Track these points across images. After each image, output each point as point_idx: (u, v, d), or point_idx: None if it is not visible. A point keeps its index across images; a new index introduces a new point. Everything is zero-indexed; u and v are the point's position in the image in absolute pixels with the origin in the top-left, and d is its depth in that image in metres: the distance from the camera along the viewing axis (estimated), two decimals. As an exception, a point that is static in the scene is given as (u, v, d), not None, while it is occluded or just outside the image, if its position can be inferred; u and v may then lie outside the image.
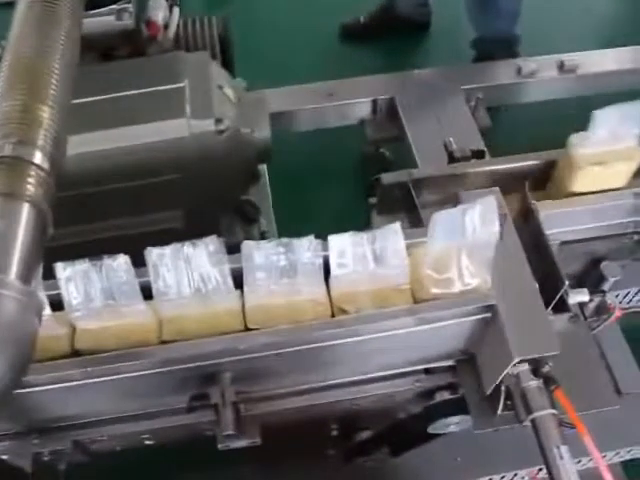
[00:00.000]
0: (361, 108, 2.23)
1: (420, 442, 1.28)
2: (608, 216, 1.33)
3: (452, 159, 1.42)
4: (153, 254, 0.96)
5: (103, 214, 1.40)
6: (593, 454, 1.03)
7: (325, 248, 0.98)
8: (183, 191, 1.40)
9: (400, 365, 1.16)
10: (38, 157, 0.88)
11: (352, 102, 2.21)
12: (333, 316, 1.03)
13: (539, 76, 2.30)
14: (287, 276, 1.00)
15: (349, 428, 1.31)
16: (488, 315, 1.04)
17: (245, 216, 1.64)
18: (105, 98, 1.32)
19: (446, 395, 1.18)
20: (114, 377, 1.00)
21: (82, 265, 0.94)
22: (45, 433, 1.15)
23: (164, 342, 1.02)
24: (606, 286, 1.37)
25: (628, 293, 1.75)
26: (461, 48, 2.65)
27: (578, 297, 1.18)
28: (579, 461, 1.46)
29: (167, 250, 0.96)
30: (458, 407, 1.16)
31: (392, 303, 1.02)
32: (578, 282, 1.40)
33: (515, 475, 1.51)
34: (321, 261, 0.99)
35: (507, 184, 1.29)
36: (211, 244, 0.96)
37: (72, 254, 0.95)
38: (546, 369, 1.02)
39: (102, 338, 1.01)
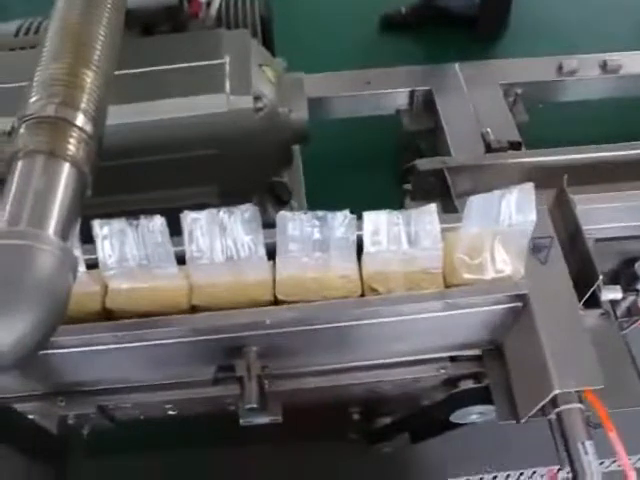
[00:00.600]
0: (398, 98, 2.21)
1: (441, 431, 1.27)
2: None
3: (489, 150, 1.40)
4: (188, 218, 0.96)
5: (139, 186, 1.41)
6: (619, 453, 1.01)
7: (360, 225, 0.98)
8: (218, 167, 1.40)
9: (426, 351, 1.15)
10: (80, 119, 0.89)
11: (389, 92, 2.19)
12: (363, 295, 1.02)
13: (580, 75, 2.26)
14: (320, 250, 0.99)
15: (371, 412, 1.30)
16: (519, 305, 1.03)
17: (277, 197, 1.64)
18: (145, 71, 1.32)
19: (470, 384, 1.17)
20: (142, 343, 1.00)
21: (119, 224, 0.95)
22: (71, 396, 1.17)
23: (194, 307, 1.02)
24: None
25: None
26: (503, 43, 2.62)
27: (611, 294, 1.16)
28: (601, 463, 1.44)
29: (202, 215, 0.96)
30: (482, 397, 1.15)
31: (423, 286, 1.02)
32: (611, 281, 1.38)
33: (534, 473, 1.50)
34: (355, 237, 0.99)
35: (544, 178, 1.27)
36: (247, 212, 0.96)
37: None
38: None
39: (133, 299, 1.02)
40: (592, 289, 1.08)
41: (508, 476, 1.49)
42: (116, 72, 1.11)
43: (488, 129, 1.47)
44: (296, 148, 1.78)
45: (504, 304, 1.03)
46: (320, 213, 0.97)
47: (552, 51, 2.32)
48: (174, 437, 1.45)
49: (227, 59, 1.35)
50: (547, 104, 2.33)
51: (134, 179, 1.39)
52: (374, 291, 1.02)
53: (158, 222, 0.96)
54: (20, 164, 0.83)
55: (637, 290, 1.32)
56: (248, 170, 1.42)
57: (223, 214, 0.96)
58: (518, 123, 2.09)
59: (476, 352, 1.17)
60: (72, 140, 0.87)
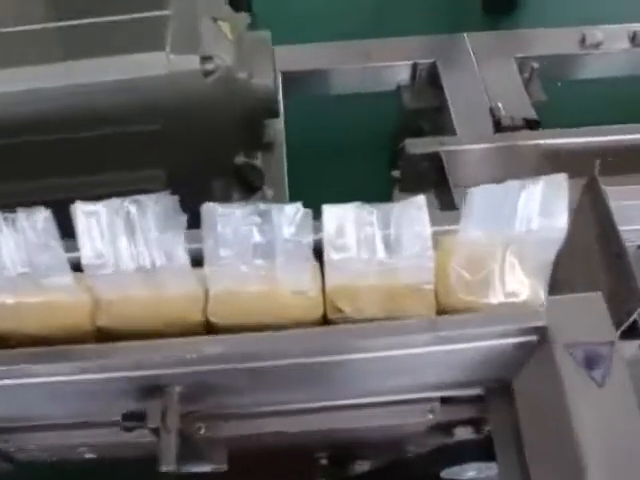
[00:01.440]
0: (399, 72, 1.95)
1: (429, 484, 1.01)
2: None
3: (499, 128, 1.13)
4: (79, 211, 0.70)
5: (63, 169, 1.15)
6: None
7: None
8: (163, 146, 1.14)
9: (408, 390, 0.88)
10: None
11: (389, 65, 1.93)
12: (325, 316, 0.76)
13: (606, 48, 1.98)
14: (262, 256, 0.73)
15: (343, 457, 1.04)
16: (534, 339, 0.76)
17: (246, 182, 1.37)
18: (68, 24, 1.06)
19: (468, 433, 0.90)
20: (21, 381, 0.74)
21: None
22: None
23: (101, 329, 0.77)
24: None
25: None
26: (517, 14, 2.34)
27: (655, 319, 0.88)
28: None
29: (100, 207, 0.70)
30: (481, 450, 0.88)
31: (406, 308, 0.75)
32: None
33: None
34: (311, 239, 0.72)
35: (568, 165, 1.00)
36: (161, 202, 0.70)
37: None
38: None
39: (22, 318, 0.77)
40: (633, 317, 0.81)
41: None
42: (30, 26, 0.85)
43: (499, 103, 1.18)
44: (280, 128, 1.53)
45: (515, 337, 0.75)
46: (262, 206, 0.70)
47: (573, 22, 2.08)
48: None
49: (171, 10, 1.08)
50: (567, 81, 2.06)
51: (56, 160, 1.12)
52: (339, 311, 0.76)
53: (41, 217, 0.69)
54: None
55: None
56: (203, 149, 1.16)
57: (129, 205, 0.70)
58: (534, 103, 1.83)
59: (475, 391, 0.90)
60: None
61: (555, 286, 0.77)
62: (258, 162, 1.42)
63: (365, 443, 0.99)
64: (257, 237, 0.71)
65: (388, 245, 0.72)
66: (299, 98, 1.84)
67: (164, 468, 0.75)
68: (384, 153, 2.06)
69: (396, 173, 1.11)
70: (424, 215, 0.71)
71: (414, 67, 1.92)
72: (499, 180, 0.90)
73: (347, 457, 1.04)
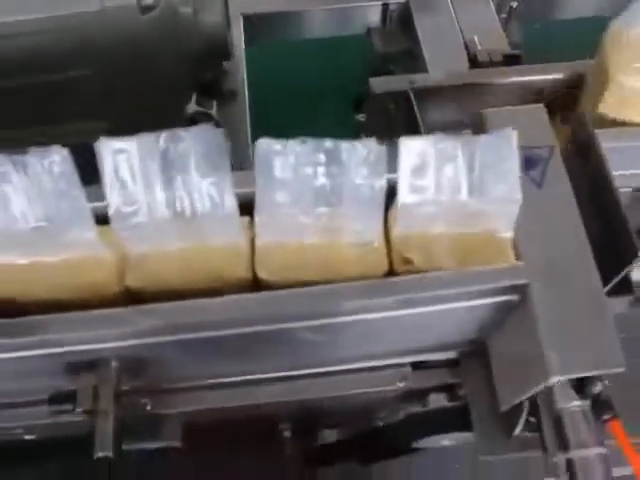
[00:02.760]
0: (369, 13, 1.83)
1: (400, 454, 0.94)
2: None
3: (475, 65, 1.03)
4: (108, 149, 0.58)
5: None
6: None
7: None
8: (103, 94, 1.02)
9: (378, 356, 0.80)
10: None
11: (359, 6, 1.82)
12: (391, 270, 0.67)
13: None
14: (327, 203, 0.62)
15: (308, 429, 0.96)
16: (514, 298, 0.67)
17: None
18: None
19: (442, 400, 0.83)
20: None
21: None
22: None
23: (129, 290, 0.66)
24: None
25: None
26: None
27: (647, 274, 0.80)
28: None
29: (132, 144, 0.58)
30: (455, 420, 0.81)
31: (481, 258, 0.66)
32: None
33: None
34: (384, 183, 0.61)
35: (551, 104, 0.90)
36: (204, 137, 0.58)
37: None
38: (598, 388, 0.66)
39: (34, 278, 0.65)
40: (626, 270, 0.72)
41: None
42: None
43: (475, 37, 1.08)
44: (242, 76, 1.42)
45: (491, 297, 0.67)
46: (329, 143, 0.59)
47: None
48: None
49: (104, -63, 0.95)
50: (547, 22, 1.96)
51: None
52: (408, 263, 0.66)
53: (57, 158, 0.57)
54: None
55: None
56: (145, 97, 1.05)
57: (165, 141, 0.58)
58: (511, 44, 1.74)
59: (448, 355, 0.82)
60: None
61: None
62: (213, 112, 1.31)
63: (332, 413, 0.91)
64: (321, 179, 0.61)
65: (472, 186, 0.62)
66: (261, 45, 1.71)
67: (100, 454, 0.66)
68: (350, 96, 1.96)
69: (361, 117, 1.01)
70: (514, 152, 0.61)
71: (385, 8, 1.82)
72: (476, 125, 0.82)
73: (313, 427, 0.97)
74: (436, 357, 0.83)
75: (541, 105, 0.73)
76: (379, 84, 0.93)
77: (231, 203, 0.61)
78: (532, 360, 0.64)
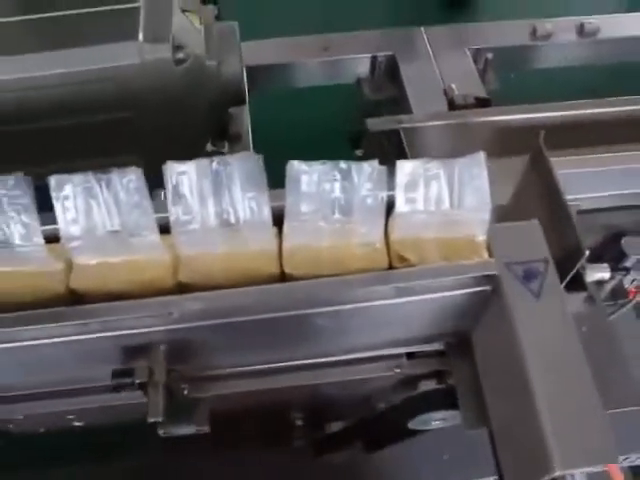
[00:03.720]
0: (359, 65, 2.02)
1: (399, 438, 1.08)
2: (633, 181, 1.12)
3: (452, 107, 1.21)
4: (173, 170, 0.75)
5: (39, 158, 1.18)
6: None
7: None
8: (137, 133, 1.19)
9: (376, 346, 0.96)
10: None
11: (349, 57, 2.00)
12: (390, 265, 0.83)
13: (555, 39, 2.07)
14: (341, 212, 0.79)
15: (317, 418, 1.11)
16: (487, 288, 0.83)
17: (215, 171, 1.42)
18: (41, 17, 1.11)
19: (431, 385, 0.98)
20: (14, 344, 0.79)
21: (84, 179, 0.74)
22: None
23: (181, 284, 0.82)
24: (628, 264, 1.16)
25: (647, 278, 1.54)
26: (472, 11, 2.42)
27: (598, 273, 0.97)
28: None
29: (191, 166, 0.76)
30: (444, 400, 0.96)
31: (462, 257, 0.82)
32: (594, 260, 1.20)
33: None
34: (385, 195, 0.78)
35: (518, 140, 1.08)
36: (248, 162, 0.75)
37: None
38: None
39: (104, 276, 0.81)
40: (577, 267, 0.89)
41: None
42: (3, 18, 0.89)
43: (453, 85, 1.27)
44: (246, 120, 1.59)
45: (467, 288, 0.83)
46: (343, 164, 0.76)
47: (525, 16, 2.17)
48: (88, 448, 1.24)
49: (142, 2, 1.13)
50: (520, 72, 2.16)
51: (34, 149, 1.17)
52: (404, 261, 0.82)
53: (134, 176, 0.74)
54: None
55: (627, 268, 1.13)
56: (175, 136, 1.21)
57: (217, 165, 0.76)
58: (488, 92, 1.91)
59: (437, 346, 0.98)
60: None
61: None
62: (225, 151, 1.47)
63: (337, 403, 1.05)
64: (337, 192, 0.77)
65: (452, 199, 0.79)
66: (262, 93, 1.88)
67: (152, 419, 0.80)
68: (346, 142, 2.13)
69: (359, 152, 1.18)
70: (484, 171, 0.78)
71: (373, 60, 2.00)
72: (453, 155, 0.99)
73: (321, 418, 1.11)
74: (427, 348, 0.98)
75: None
76: (374, 124, 1.10)
77: (267, 214, 0.78)
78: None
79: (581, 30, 2.04)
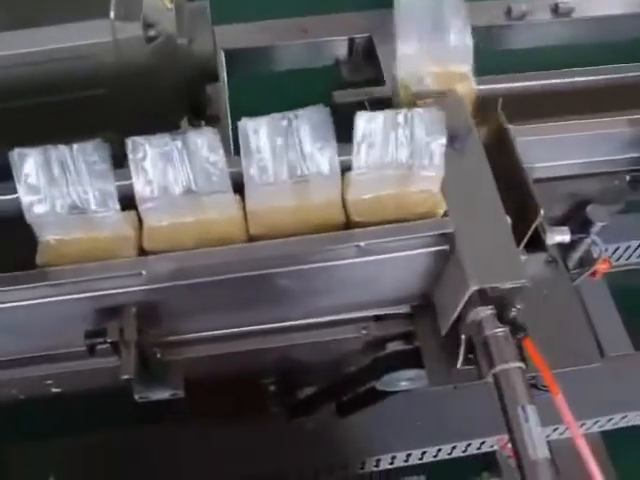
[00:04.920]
0: (337, 47, 2.04)
1: (370, 401, 1.11)
2: (598, 149, 1.15)
3: (424, 81, 1.23)
4: (249, 126, 0.79)
5: (14, 137, 1.20)
6: (565, 418, 0.85)
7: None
8: (112, 110, 1.21)
9: (344, 308, 0.99)
10: None
11: (327, 40, 2.02)
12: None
13: (530, 19, 2.10)
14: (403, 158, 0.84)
15: (289, 383, 1.14)
16: (445, 248, 0.87)
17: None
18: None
19: (398, 346, 1.01)
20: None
21: (161, 140, 0.79)
22: None
23: (251, 237, 0.85)
24: (593, 231, 1.19)
25: (617, 249, 1.58)
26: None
27: (558, 236, 1.01)
28: (555, 429, 1.30)
29: (263, 122, 0.79)
30: (410, 359, 0.99)
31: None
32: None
33: (482, 443, 1.35)
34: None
35: (482, 113, 1.12)
36: (317, 114, 0.80)
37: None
38: (513, 314, 0.85)
39: (177, 237, 0.84)
40: (534, 225, 0.92)
41: (454, 447, 1.34)
42: None
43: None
44: (224, 102, 1.61)
45: (425, 247, 0.86)
46: (405, 112, 0.81)
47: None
48: (70, 419, 1.27)
49: (113, -19, 1.15)
50: (495, 51, 2.18)
51: (7, 128, 1.18)
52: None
53: (210, 136, 0.78)
54: None
55: (589, 233, 1.16)
56: (147, 113, 1.23)
57: (288, 122, 0.80)
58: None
59: (405, 310, 1.01)
60: None
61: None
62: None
63: (307, 367, 1.09)
64: (402, 138, 0.82)
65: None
66: (241, 76, 1.90)
67: (124, 376, 0.83)
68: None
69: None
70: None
71: (351, 42, 2.02)
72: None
73: (293, 383, 1.14)
74: (393, 311, 1.02)
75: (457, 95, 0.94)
76: (341, 95, 1.12)
77: (335, 165, 0.82)
78: (458, 284, 0.83)
79: (556, 9, 2.06)
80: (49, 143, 1.25)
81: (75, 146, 0.81)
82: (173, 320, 0.93)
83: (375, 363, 1.02)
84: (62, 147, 0.81)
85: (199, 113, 1.46)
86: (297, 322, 0.99)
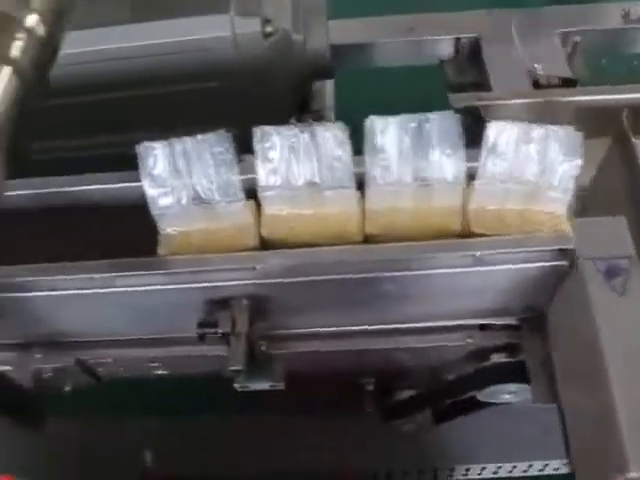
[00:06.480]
0: (442, 46, 2.00)
1: (468, 410, 1.09)
2: None
3: (536, 86, 1.20)
4: (378, 124, 0.79)
5: (126, 124, 1.25)
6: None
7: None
8: (223, 104, 1.23)
9: (450, 316, 0.97)
10: (32, 19, 0.73)
11: (432, 39, 1.99)
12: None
13: (650, 22, 2.00)
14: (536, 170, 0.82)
15: (388, 385, 1.13)
16: (564, 264, 0.84)
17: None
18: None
19: (503, 358, 0.99)
20: (113, 290, 0.86)
21: (291, 132, 0.80)
22: (48, 348, 1.04)
23: (368, 237, 0.86)
24: None
25: None
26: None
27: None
28: None
29: (393, 122, 0.79)
30: (515, 373, 0.96)
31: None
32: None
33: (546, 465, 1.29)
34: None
35: (601, 122, 1.07)
36: (446, 119, 0.79)
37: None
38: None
39: (295, 227, 0.86)
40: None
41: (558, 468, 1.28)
42: None
43: (536, 64, 1.25)
44: (330, 97, 1.61)
45: (543, 262, 0.84)
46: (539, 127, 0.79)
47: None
48: (171, 401, 1.31)
49: (233, -23, 1.17)
50: (611, 57, 2.08)
51: (122, 116, 1.23)
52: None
53: (339, 131, 0.79)
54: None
55: None
56: (259, 108, 1.25)
57: (421, 122, 0.80)
58: (577, 78, 1.86)
59: (512, 321, 0.99)
60: (17, 42, 0.71)
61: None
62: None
63: (408, 370, 1.08)
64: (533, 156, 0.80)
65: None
66: (346, 72, 1.90)
67: (233, 367, 0.85)
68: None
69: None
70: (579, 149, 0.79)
71: (457, 42, 1.99)
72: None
73: (391, 385, 1.14)
74: (499, 321, 0.99)
75: (623, 218, 0.84)
76: (457, 99, 1.11)
77: (461, 172, 0.81)
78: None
79: (678, 13, 1.97)
80: (160, 132, 1.31)
81: (199, 137, 0.82)
82: (281, 314, 0.94)
83: (478, 374, 1.00)
84: (186, 139, 0.82)
85: (306, 108, 1.47)
86: (403, 325, 0.98)
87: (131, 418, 1.24)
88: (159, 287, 0.86)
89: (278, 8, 1.19)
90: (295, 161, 0.80)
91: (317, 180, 0.81)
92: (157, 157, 0.82)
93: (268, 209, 0.85)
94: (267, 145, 0.80)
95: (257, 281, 0.84)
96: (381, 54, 1.96)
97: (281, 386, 1.03)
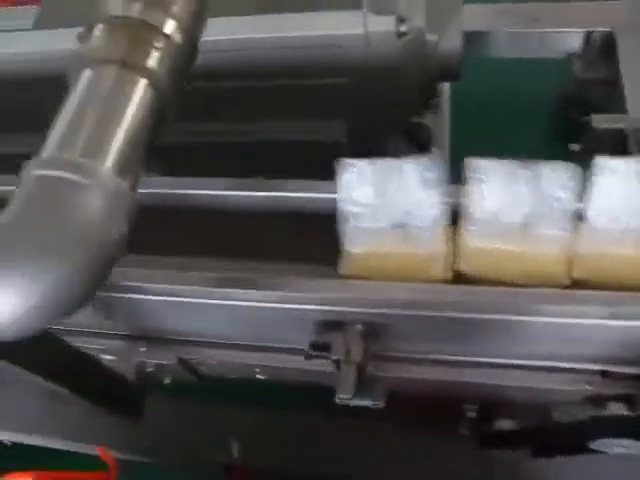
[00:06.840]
0: (570, 39, 1.87)
1: (573, 452, 1.04)
2: None
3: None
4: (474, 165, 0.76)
5: (250, 113, 1.23)
6: None
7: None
8: (347, 100, 1.20)
9: (571, 359, 0.92)
10: (170, 26, 0.71)
11: (560, 31, 1.86)
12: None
13: None
14: None
15: (489, 413, 1.09)
16: None
17: (416, 141, 1.40)
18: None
19: (622, 409, 0.92)
20: (232, 302, 0.85)
21: (508, 167, 0.76)
22: (154, 343, 1.06)
23: (575, 281, 0.81)
24: None
25: None
26: None
27: None
28: None
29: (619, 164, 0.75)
30: (633, 428, 0.90)
31: None
32: None
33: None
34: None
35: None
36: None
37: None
38: None
39: (492, 263, 0.81)
40: None
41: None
42: None
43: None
44: (446, 89, 1.55)
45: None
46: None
47: None
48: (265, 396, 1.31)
49: (367, -27, 1.12)
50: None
51: (251, 105, 1.21)
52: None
53: (565, 175, 0.75)
54: (84, 75, 0.67)
55: None
56: (384, 106, 1.21)
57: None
58: None
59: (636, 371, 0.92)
60: (155, 52, 0.69)
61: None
62: (426, 121, 1.44)
63: (515, 403, 1.03)
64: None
65: None
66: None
67: (341, 396, 0.83)
68: (545, 121, 2.01)
69: (574, 146, 1.11)
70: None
71: (587, 35, 1.85)
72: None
73: (494, 415, 1.09)
74: (621, 369, 0.93)
75: None
76: (600, 120, 1.03)
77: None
78: None
79: None
80: (285, 123, 1.29)
81: (409, 159, 0.78)
82: (393, 340, 0.91)
83: (594, 422, 0.94)
84: (392, 159, 0.79)
85: (426, 105, 1.41)
86: (518, 361, 0.93)
87: (224, 409, 1.24)
88: (278, 305, 0.85)
89: (414, 5, 1.13)
90: (510, 197, 0.75)
91: (530, 219, 0.76)
92: (356, 174, 0.78)
93: (471, 242, 0.80)
94: (482, 177, 0.75)
95: (384, 311, 0.81)
96: (502, 44, 1.86)
97: (381, 405, 1.00)
